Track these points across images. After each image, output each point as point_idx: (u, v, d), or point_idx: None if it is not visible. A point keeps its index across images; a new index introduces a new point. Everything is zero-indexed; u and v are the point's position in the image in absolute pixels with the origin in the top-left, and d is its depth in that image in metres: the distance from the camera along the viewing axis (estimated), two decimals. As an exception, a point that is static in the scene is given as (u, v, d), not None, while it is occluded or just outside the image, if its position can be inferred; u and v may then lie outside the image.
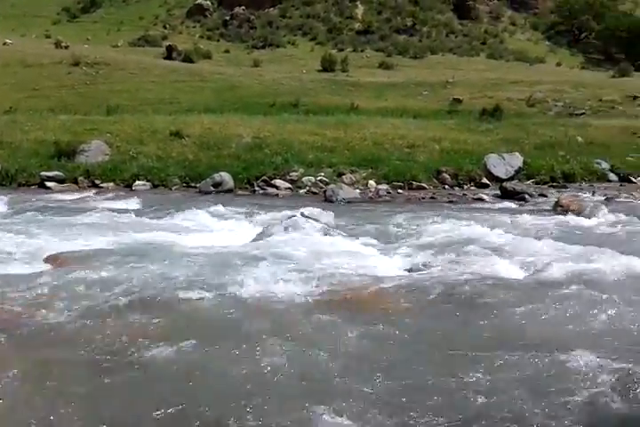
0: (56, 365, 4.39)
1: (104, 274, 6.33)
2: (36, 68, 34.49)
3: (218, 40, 54.20)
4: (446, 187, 15.41)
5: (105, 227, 9.02)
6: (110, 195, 13.11)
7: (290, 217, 8.83)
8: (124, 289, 5.83)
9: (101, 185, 14.39)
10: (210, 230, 9.03)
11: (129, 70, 35.61)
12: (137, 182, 14.37)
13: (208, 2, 60.62)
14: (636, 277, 6.59)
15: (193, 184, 14.36)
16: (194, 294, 5.71)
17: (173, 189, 14.26)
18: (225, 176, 13.95)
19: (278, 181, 14.53)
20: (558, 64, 47.93)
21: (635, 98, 28.49)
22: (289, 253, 7.26)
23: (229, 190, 13.82)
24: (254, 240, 8.36)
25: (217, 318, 5.29)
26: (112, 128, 17.20)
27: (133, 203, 11.91)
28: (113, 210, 10.49)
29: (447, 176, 15.75)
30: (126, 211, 10.55)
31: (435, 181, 15.69)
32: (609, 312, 5.39)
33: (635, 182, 16.62)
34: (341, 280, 6.12)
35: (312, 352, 4.59)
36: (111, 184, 14.44)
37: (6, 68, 33.94)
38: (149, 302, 5.52)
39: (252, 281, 6.06)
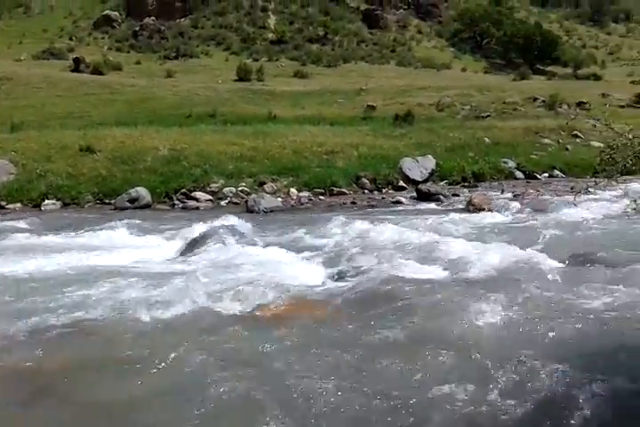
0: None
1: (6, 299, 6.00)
2: None
3: (128, 51, 52.81)
4: (366, 191, 15.76)
5: (9, 250, 8.48)
6: (16, 216, 12.33)
7: (211, 230, 8.69)
8: (28, 315, 5.52)
9: (7, 206, 13.58)
10: (126, 248, 8.65)
11: (34, 84, 33.97)
12: (46, 202, 13.64)
13: (116, 13, 58.97)
14: (542, 271, 7.00)
15: (107, 201, 13.83)
16: (109, 315, 5.51)
17: (86, 206, 13.66)
18: (141, 191, 13.55)
19: (198, 194, 14.31)
20: (463, 69, 50.33)
21: (534, 99, 30.37)
22: (210, 268, 7.15)
23: (147, 205, 13.43)
24: (174, 256, 8.17)
25: (137, 337, 5.13)
26: (17, 146, 16.29)
27: (42, 224, 11.25)
28: (19, 232, 9.89)
29: (366, 181, 16.13)
30: (34, 232, 9.96)
31: (354, 186, 16.02)
32: (520, 307, 5.57)
33: (539, 179, 17.71)
34: (263, 292, 6.06)
35: (232, 367, 4.55)
36: (18, 205, 13.62)
37: None
38: (54, 327, 5.25)
39: (172, 298, 5.91)
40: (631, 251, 7.30)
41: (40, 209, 13.34)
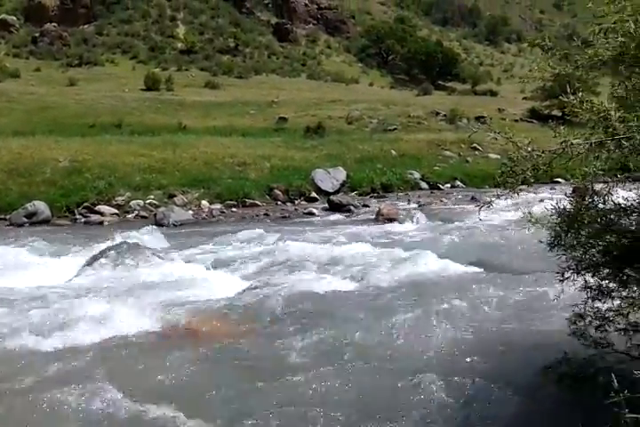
0: None
1: None
2: None
3: (27, 58, 49.87)
4: (279, 203, 15.79)
5: None
6: None
7: (115, 246, 8.28)
8: None
9: None
10: (21, 268, 8.02)
11: None
12: None
13: (13, 17, 55.59)
14: (447, 279, 7.31)
15: (2, 216, 12.91)
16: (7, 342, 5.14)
17: (-22, 222, 12.70)
18: (40, 205, 12.74)
19: (103, 207, 13.68)
20: (371, 84, 51.91)
21: (437, 114, 31.86)
22: (116, 286, 6.84)
23: (46, 221, 12.60)
24: (75, 275, 7.71)
25: (38, 362, 4.82)
26: None
27: None
28: None
29: (279, 192, 16.17)
30: None
31: (267, 197, 16.00)
32: (425, 316, 5.70)
33: (442, 189, 18.55)
34: (170, 309, 5.87)
35: (137, 390, 4.39)
36: None
37: None
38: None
39: (76, 320, 5.60)
40: (525, 259, 7.77)
41: None
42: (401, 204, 15.27)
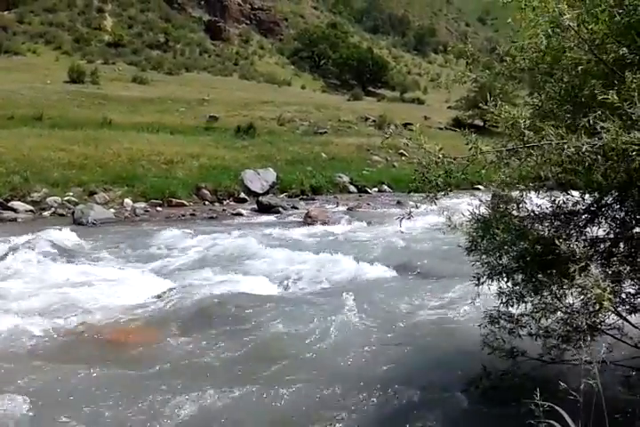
0: None
1: None
2: None
3: None
4: (206, 203, 15.49)
5: None
6: None
7: (26, 245, 7.82)
8: None
9: None
10: None
11: None
12: None
13: None
14: (372, 282, 7.40)
15: None
16: None
17: None
18: (-55, 200, 11.90)
19: (17, 204, 12.91)
20: (303, 87, 52.08)
21: (366, 119, 32.39)
22: (23, 288, 6.43)
23: (-49, 216, 11.82)
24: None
25: None
26: None
27: None
28: None
29: (207, 192, 15.86)
30: None
31: (195, 197, 15.66)
32: (348, 320, 5.69)
33: (370, 193, 18.86)
34: (84, 313, 5.57)
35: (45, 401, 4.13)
36: None
37: None
38: None
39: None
40: (444, 263, 7.97)
41: None
42: (329, 206, 15.37)
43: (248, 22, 66.09)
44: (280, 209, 14.60)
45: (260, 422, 3.91)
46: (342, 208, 15.16)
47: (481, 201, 3.54)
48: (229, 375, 4.53)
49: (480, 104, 3.13)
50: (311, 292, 6.93)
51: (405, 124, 28.96)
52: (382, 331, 5.52)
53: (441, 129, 32.17)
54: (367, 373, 4.61)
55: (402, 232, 9.57)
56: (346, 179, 19.22)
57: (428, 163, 2.82)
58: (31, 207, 12.99)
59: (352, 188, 18.97)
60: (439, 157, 2.73)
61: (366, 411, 4.02)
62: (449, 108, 41.12)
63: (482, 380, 3.73)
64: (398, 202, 15.81)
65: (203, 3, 65.31)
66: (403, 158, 22.43)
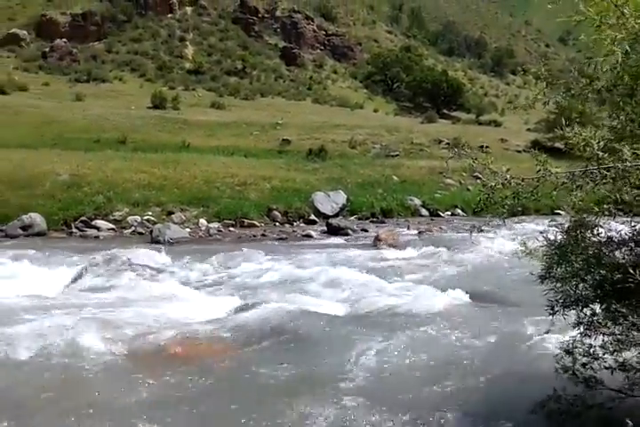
0: None
1: None
2: None
3: (36, 72, 50.48)
4: (277, 224, 15.74)
5: None
6: None
7: (107, 261, 8.23)
8: None
9: None
10: (14, 280, 7.92)
11: None
12: None
13: (24, 31, 56.52)
14: (441, 308, 7.19)
15: (-1, 227, 12.89)
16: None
17: (-26, 233, 12.66)
18: (36, 217, 12.73)
19: (100, 222, 13.65)
20: (375, 110, 52.35)
21: (440, 142, 32.03)
22: (105, 301, 6.76)
23: (42, 233, 12.60)
24: (67, 289, 7.64)
25: (17, 375, 4.70)
26: None
27: None
28: None
29: (278, 213, 16.14)
30: None
31: (266, 218, 15.96)
32: (414, 346, 5.58)
33: (443, 217, 18.49)
34: (158, 328, 5.75)
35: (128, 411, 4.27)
36: None
37: None
38: None
39: (56, 333, 5.50)
40: (518, 291, 7.65)
41: None
42: (400, 229, 15.19)
43: (322, 48, 67.58)
44: (349, 231, 14.58)
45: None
46: (413, 231, 14.93)
47: (556, 226, 3.39)
48: (293, 393, 4.55)
49: (556, 127, 3.02)
50: (376, 315, 6.83)
51: (480, 147, 28.40)
52: (449, 355, 5.36)
53: (519, 152, 31.27)
54: (434, 395, 4.49)
55: (474, 243, 9.26)
56: (417, 202, 18.99)
57: (494, 184, 2.73)
58: (113, 226, 13.68)
59: (424, 211, 18.69)
60: (506, 178, 2.64)
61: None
62: (528, 130, 39.95)
63: (551, 403, 3.53)
64: (472, 226, 15.38)
65: (279, 30, 67.51)
66: (478, 181, 21.90)
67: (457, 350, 5.58)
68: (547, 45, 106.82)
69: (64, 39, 55.02)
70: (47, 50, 54.08)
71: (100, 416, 4.13)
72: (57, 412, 4.12)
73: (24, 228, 12.50)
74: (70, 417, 4.07)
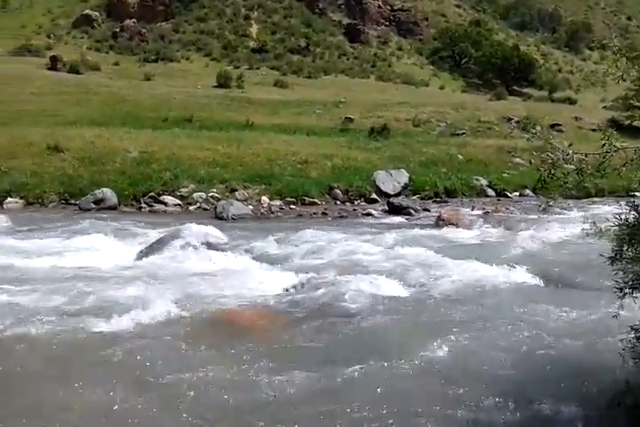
0: None
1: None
2: None
3: (107, 52, 52.19)
4: (338, 202, 15.69)
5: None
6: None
7: (174, 235, 8.49)
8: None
9: (-33, 202, 13.22)
10: (87, 251, 8.36)
11: (6, 80, 33.19)
12: (8, 200, 13.30)
13: (96, 13, 58.35)
14: (508, 290, 6.98)
15: (72, 201, 13.52)
16: (57, 322, 5.29)
17: (50, 206, 13.35)
18: (107, 192, 13.29)
19: (167, 198, 14.07)
20: (441, 87, 50.94)
21: (509, 120, 30.86)
22: (172, 273, 6.98)
23: (113, 207, 13.17)
24: (136, 260, 7.96)
25: (96, 343, 4.93)
26: (-20, 141, 15.85)
27: (2, 222, 10.93)
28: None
29: (339, 192, 16.08)
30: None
31: (327, 196, 15.94)
32: (483, 329, 5.46)
33: (510, 197, 17.87)
34: (223, 300, 5.93)
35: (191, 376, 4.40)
36: (-22, 202, 13.30)
37: None
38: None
39: (131, 303, 5.74)
40: (588, 273, 7.32)
41: (2, 207, 12.99)
42: (464, 210, 14.80)
43: (387, 24, 66.12)
44: (411, 211, 14.35)
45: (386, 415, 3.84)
46: (478, 212, 14.52)
47: (629, 206, 3.18)
48: (357, 364, 4.57)
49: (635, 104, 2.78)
50: (442, 296, 6.69)
51: (553, 126, 27.16)
52: (514, 340, 5.20)
53: (594, 130, 29.68)
54: (497, 382, 4.37)
55: (544, 224, 8.83)
56: (483, 182, 18.42)
57: (555, 160, 2.55)
58: (179, 201, 14.07)
59: (490, 191, 18.12)
60: (568, 154, 2.46)
61: (495, 422, 3.80)
62: (604, 108, 37.84)
63: (624, 396, 3.34)
64: (540, 207, 14.80)
65: (343, 6, 66.50)
66: (549, 161, 21.01)
67: (523, 335, 5.40)
68: (628, 18, 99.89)
69: (133, 19, 56.45)
70: (117, 30, 55.67)
71: (165, 383, 4.27)
72: (118, 381, 4.28)
73: (96, 202, 13.08)
74: (135, 387, 4.21)
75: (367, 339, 5.17)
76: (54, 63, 42.56)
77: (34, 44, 50.20)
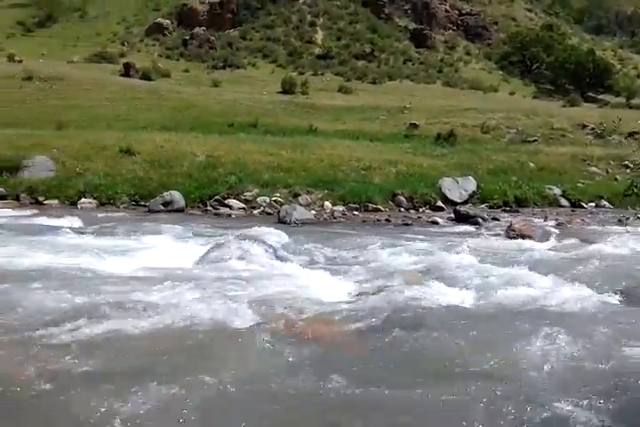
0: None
1: (35, 296, 5.85)
2: (-14, 81, 33.43)
3: (177, 59, 54.01)
4: (402, 209, 15.36)
5: (44, 246, 8.48)
6: (53, 212, 12.47)
7: (238, 239, 8.48)
8: (52, 312, 5.38)
9: (45, 202, 13.82)
10: (156, 251, 8.55)
11: (83, 86, 34.84)
12: (82, 200, 13.83)
13: (168, 21, 60.52)
14: (581, 305, 6.51)
15: (142, 203, 13.92)
16: (130, 320, 5.31)
17: (121, 207, 13.79)
18: (175, 195, 13.58)
19: (232, 201, 14.21)
20: (511, 93, 49.52)
21: (584, 127, 29.50)
22: (236, 276, 6.93)
23: (180, 210, 13.46)
24: (202, 262, 8.00)
25: (150, 346, 4.90)
26: (59, 143, 16.57)
27: (77, 221, 11.32)
28: (54, 228, 9.96)
29: (403, 199, 15.74)
30: (69, 230, 10.01)
31: (390, 203, 15.65)
32: (553, 341, 5.11)
33: (585, 208, 16.96)
34: (286, 305, 5.80)
35: (253, 380, 4.27)
36: (55, 201, 13.88)
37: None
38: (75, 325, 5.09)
39: (195, 306, 5.70)
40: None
41: (76, 207, 13.53)
42: (536, 220, 14.13)
43: (455, 28, 65.11)
44: (479, 220, 13.83)
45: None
46: (551, 223, 13.81)
47: None
48: (405, 376, 4.36)
49: None
50: (509, 310, 6.29)
51: (632, 133, 25.77)
52: (594, 362, 4.77)
53: (677, 140, 27.94)
54: (564, 404, 4.00)
55: (621, 238, 8.29)
56: (557, 191, 17.59)
57: None
58: (244, 205, 14.18)
59: (563, 201, 17.28)
60: None
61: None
62: (687, 116, 35.57)
63: None
64: (619, 220, 13.93)
65: (410, 12, 66.03)
66: (627, 171, 19.87)
67: (600, 356, 4.97)
68: None
69: (203, 27, 58.17)
70: (187, 38, 57.49)
71: (233, 386, 4.17)
72: (184, 382, 4.21)
73: (165, 204, 13.39)
74: (196, 389, 4.12)
75: (443, 353, 4.91)
76: (127, 70, 44.40)
77: (108, 52, 52.65)
